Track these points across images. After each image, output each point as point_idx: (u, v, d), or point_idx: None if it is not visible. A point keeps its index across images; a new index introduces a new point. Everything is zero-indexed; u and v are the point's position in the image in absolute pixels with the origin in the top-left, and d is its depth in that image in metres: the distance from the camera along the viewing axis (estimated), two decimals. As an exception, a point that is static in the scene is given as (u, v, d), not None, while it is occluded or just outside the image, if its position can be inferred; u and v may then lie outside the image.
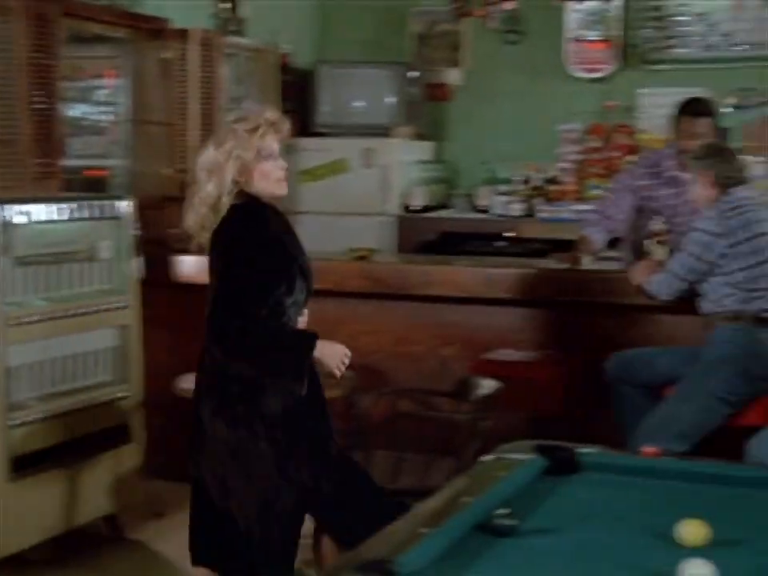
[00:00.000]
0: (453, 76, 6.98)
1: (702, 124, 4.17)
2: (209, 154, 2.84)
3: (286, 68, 6.37)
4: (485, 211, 6.58)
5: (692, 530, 1.92)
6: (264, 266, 2.77)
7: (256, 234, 2.80)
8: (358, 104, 6.58)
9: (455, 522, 1.95)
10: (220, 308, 2.78)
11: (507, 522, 1.96)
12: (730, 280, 3.66)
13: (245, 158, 2.78)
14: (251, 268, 2.76)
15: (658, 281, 3.82)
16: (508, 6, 4.71)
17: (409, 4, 6.98)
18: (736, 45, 6.31)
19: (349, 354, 2.85)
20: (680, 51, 6.43)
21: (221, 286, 2.80)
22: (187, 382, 3.76)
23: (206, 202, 2.82)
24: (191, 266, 4.82)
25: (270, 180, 2.84)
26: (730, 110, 6.31)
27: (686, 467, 2.49)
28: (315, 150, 6.47)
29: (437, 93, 6.91)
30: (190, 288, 4.82)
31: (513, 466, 2.33)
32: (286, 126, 2.88)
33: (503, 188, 6.55)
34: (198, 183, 2.84)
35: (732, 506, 2.22)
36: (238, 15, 5.75)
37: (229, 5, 5.68)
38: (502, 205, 6.48)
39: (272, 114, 2.89)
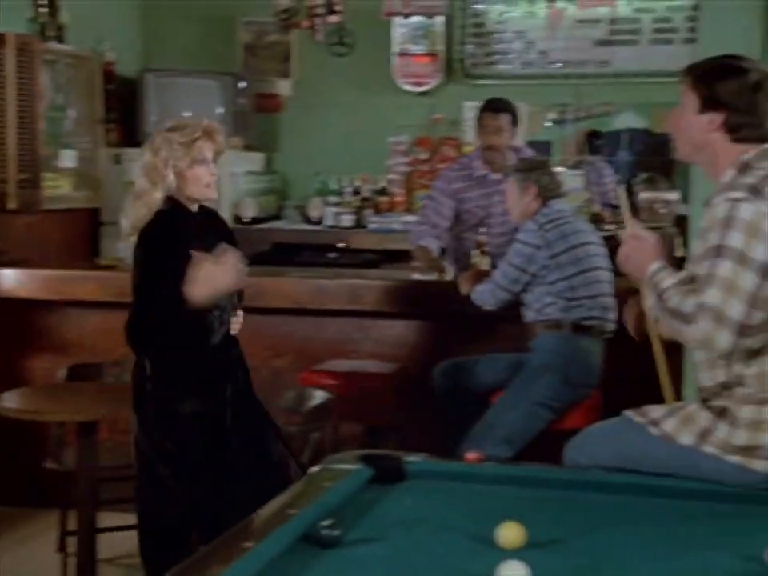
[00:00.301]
0: (283, 87, 6.98)
1: (502, 119, 4.51)
2: (147, 161, 2.96)
3: (110, 76, 6.21)
4: (317, 222, 6.60)
5: (508, 533, 1.97)
6: (159, 269, 2.90)
7: (159, 239, 2.94)
8: (186, 114, 6.47)
9: (280, 535, 1.94)
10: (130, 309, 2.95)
11: (331, 532, 1.96)
12: (551, 290, 3.79)
13: (180, 165, 2.94)
14: (149, 271, 2.91)
15: (482, 290, 3.92)
16: (333, 19, 4.73)
17: (237, 13, 6.94)
18: (552, 62, 6.58)
19: (234, 263, 2.89)
20: (501, 67, 6.65)
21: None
22: (8, 401, 3.61)
23: (148, 205, 2.96)
24: (11, 280, 4.64)
25: (200, 185, 2.99)
26: (549, 124, 6.59)
27: (508, 471, 2.57)
28: (143, 161, 6.31)
29: (267, 103, 6.89)
30: (9, 302, 4.64)
31: (339, 477, 2.34)
32: (221, 136, 3.04)
33: (334, 199, 6.59)
34: (140, 188, 2.98)
35: (551, 508, 2.30)
36: (57, 20, 5.55)
37: (47, 10, 5.49)
38: (333, 216, 6.52)
39: (208, 123, 3.04)
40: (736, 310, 2.29)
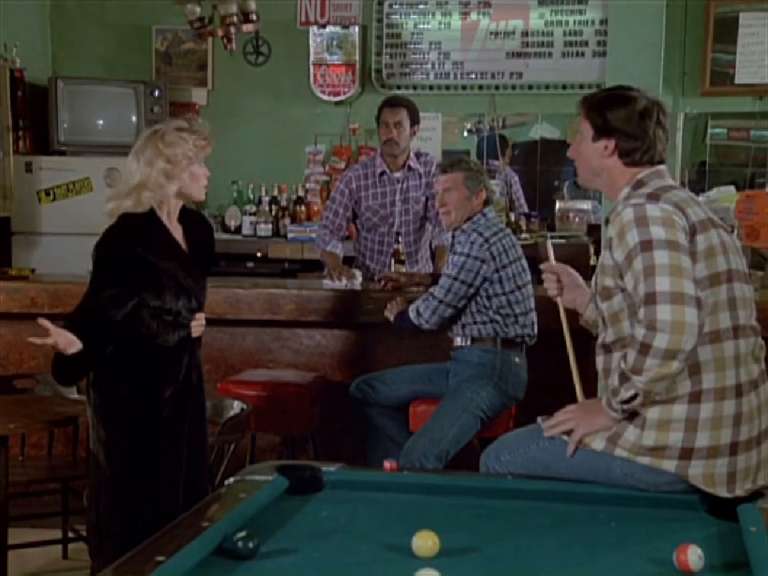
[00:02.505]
0: (199, 95, 6.94)
1: (400, 113, 4.61)
2: (161, 151, 2.97)
3: (18, 83, 6.09)
4: (234, 231, 6.56)
5: (423, 542, 1.98)
6: (103, 277, 2.97)
7: (110, 245, 2.98)
8: (99, 122, 6.39)
9: (194, 547, 1.92)
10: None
11: (246, 544, 1.95)
12: (488, 304, 3.72)
13: (192, 165, 3.00)
14: (96, 279, 2.98)
15: (424, 308, 3.74)
16: (249, 27, 4.71)
17: (151, 21, 6.87)
18: (466, 73, 6.65)
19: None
20: (417, 77, 6.71)
21: None
22: None
23: (155, 199, 3.00)
24: None
25: (200, 184, 3.04)
26: (466, 134, 6.67)
27: (424, 480, 2.58)
28: (56, 170, 6.22)
29: (182, 112, 6.81)
30: None
31: (255, 488, 2.33)
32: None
33: (251, 208, 6.56)
34: (156, 180, 2.97)
35: (466, 516, 2.32)
36: (-38, 27, 5.44)
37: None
38: (251, 225, 6.50)
39: (206, 127, 3.10)
40: (689, 287, 2.35)
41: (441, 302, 3.71)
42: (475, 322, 3.75)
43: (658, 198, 2.48)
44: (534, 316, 3.80)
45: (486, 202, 3.81)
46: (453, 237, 3.88)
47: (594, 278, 2.61)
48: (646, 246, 2.38)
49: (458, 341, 3.82)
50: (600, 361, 2.58)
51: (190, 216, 3.21)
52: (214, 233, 3.40)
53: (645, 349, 2.35)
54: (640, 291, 2.38)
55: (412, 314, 3.78)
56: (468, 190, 3.77)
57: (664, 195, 2.48)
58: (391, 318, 3.92)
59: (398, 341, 4.29)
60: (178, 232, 3.13)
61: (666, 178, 2.60)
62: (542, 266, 2.81)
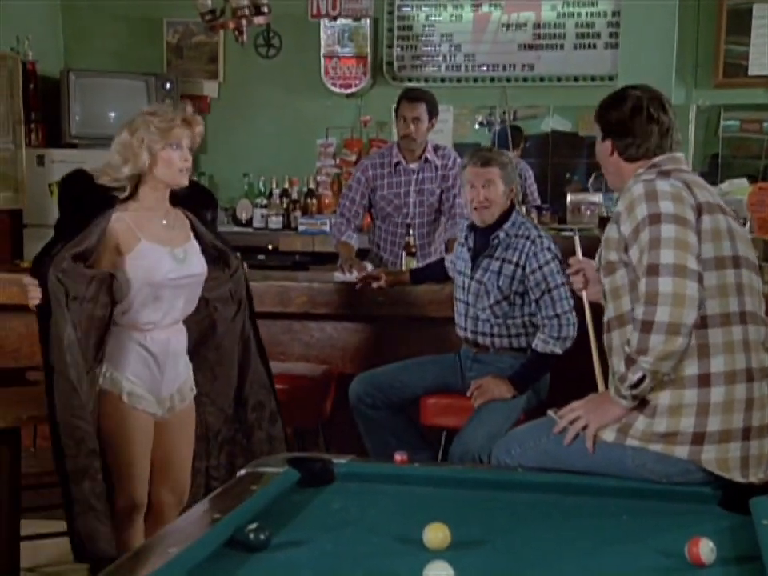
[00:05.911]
0: (210, 88, 6.94)
1: (419, 108, 4.58)
2: (124, 138, 3.02)
3: (31, 76, 6.10)
4: (245, 224, 6.57)
5: (434, 535, 1.98)
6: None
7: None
8: (111, 115, 6.39)
9: (205, 539, 1.93)
10: None
11: (258, 535, 1.96)
12: (533, 310, 3.65)
13: (154, 147, 2.99)
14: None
15: (566, 330, 3.54)
16: (260, 20, 4.71)
17: (162, 14, 6.88)
18: (478, 66, 6.65)
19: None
20: (428, 70, 6.71)
21: None
22: None
23: (117, 180, 3.02)
24: None
25: (172, 168, 3.03)
26: (477, 126, 6.66)
27: (435, 473, 2.58)
28: (68, 162, 6.20)
29: (194, 105, 6.74)
30: None
31: (267, 480, 2.34)
32: (200, 126, 3.08)
33: (262, 201, 6.57)
34: (111, 162, 3.03)
35: (476, 508, 2.33)
36: (-25, 20, 5.46)
37: (-35, 8, 5.39)
38: (262, 218, 6.51)
39: (188, 112, 3.09)
40: (692, 262, 2.37)
41: (568, 311, 3.57)
42: (509, 335, 3.70)
43: (668, 174, 2.52)
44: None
45: (512, 203, 3.73)
46: (494, 238, 3.69)
47: (597, 253, 2.62)
48: (654, 219, 2.41)
49: (487, 343, 3.74)
50: (605, 339, 2.59)
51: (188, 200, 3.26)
52: None
53: (647, 326, 2.35)
54: (644, 262, 2.40)
55: (549, 346, 3.59)
56: (506, 187, 3.67)
57: (674, 174, 2.53)
58: (504, 395, 3.60)
59: (409, 333, 4.28)
60: None
61: (682, 165, 2.63)
62: (570, 261, 2.87)
